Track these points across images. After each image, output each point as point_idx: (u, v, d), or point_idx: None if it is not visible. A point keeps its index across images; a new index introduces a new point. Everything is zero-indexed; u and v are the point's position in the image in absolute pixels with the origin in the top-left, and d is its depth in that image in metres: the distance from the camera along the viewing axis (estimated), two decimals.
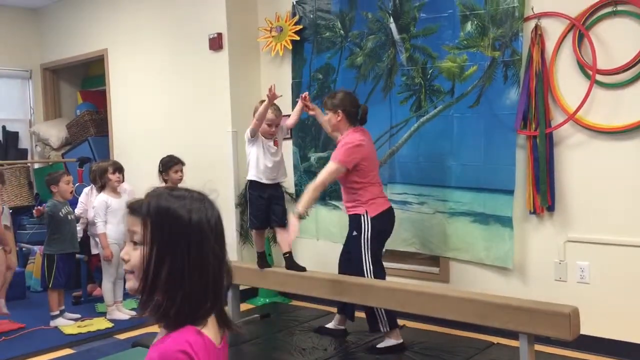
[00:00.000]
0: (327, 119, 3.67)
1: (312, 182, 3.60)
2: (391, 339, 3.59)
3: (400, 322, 3.83)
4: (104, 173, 4.45)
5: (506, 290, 3.63)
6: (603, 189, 3.41)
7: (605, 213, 3.41)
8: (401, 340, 3.61)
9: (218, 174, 4.89)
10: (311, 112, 3.83)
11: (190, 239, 1.13)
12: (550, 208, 3.57)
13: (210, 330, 1.14)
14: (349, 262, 3.65)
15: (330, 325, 3.97)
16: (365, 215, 3.53)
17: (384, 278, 3.58)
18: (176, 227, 1.14)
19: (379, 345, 3.61)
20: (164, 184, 4.52)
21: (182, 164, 4.57)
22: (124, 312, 4.52)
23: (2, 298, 4.38)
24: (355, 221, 3.57)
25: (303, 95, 3.77)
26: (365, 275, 3.49)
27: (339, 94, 3.66)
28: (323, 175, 3.53)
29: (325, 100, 3.70)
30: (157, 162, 4.63)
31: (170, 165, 4.54)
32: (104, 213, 4.38)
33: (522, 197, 3.68)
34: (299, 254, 4.61)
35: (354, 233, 3.56)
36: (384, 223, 3.61)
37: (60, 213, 4.33)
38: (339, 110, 3.59)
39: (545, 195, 3.55)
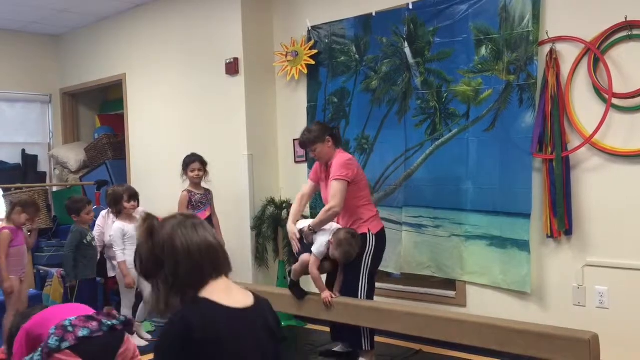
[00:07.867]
0: (318, 152, 3.71)
1: (327, 207, 3.59)
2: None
3: (417, 346, 3.80)
4: (119, 201, 4.46)
5: (524, 315, 3.59)
6: (621, 212, 3.38)
7: (624, 237, 3.38)
8: None
9: (234, 197, 4.92)
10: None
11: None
12: (568, 232, 3.54)
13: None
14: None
15: (337, 349, 3.95)
16: (369, 234, 3.60)
17: (372, 298, 3.63)
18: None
19: None
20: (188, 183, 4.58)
21: (198, 161, 4.55)
22: (143, 336, 4.49)
23: None
24: (360, 240, 3.57)
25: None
26: (359, 295, 3.51)
27: (312, 127, 3.78)
28: (336, 197, 3.54)
29: (306, 141, 3.73)
30: (174, 185, 4.68)
31: (187, 163, 4.57)
32: (121, 241, 4.35)
33: (539, 220, 3.65)
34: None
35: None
36: (384, 241, 3.71)
37: (84, 241, 4.35)
38: (327, 137, 3.69)
39: (562, 219, 3.52)
